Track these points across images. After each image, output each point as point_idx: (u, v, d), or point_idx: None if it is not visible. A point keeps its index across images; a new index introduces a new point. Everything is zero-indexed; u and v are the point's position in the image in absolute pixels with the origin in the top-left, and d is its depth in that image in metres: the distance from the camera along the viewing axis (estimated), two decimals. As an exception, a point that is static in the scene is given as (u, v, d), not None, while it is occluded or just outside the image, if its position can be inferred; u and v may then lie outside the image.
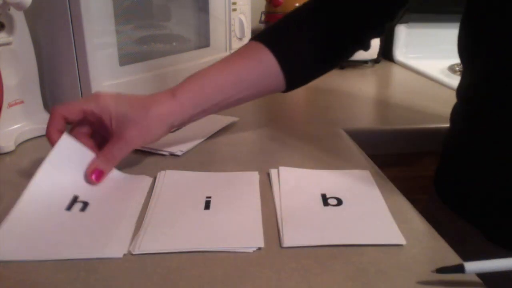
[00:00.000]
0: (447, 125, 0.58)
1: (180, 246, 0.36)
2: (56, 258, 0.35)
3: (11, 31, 0.57)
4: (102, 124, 0.48)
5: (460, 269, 0.32)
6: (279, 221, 0.40)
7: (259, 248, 0.36)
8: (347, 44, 0.60)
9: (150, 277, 0.33)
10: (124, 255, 0.35)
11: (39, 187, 0.43)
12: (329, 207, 0.43)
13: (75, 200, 0.43)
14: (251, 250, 0.36)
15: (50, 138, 0.47)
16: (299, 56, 0.58)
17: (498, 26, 0.46)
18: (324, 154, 0.57)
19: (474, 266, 0.33)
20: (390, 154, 0.69)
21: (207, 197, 0.44)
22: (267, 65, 0.56)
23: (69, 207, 0.42)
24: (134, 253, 0.36)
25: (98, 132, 0.50)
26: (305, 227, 0.40)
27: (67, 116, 0.47)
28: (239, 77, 0.55)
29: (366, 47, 0.60)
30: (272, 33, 0.59)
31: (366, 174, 0.50)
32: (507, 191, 0.47)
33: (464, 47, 0.53)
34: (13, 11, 0.56)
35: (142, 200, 0.44)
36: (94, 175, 0.47)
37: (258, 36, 0.58)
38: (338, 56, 0.61)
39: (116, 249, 0.36)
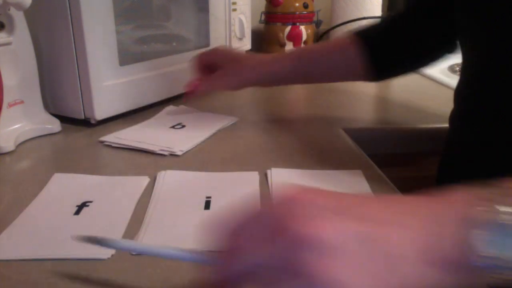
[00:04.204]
0: (447, 125, 0.58)
1: (180, 246, 0.36)
2: (53, 257, 0.35)
3: (11, 31, 0.57)
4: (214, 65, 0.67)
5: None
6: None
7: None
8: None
9: (150, 277, 0.33)
10: (125, 255, 0.35)
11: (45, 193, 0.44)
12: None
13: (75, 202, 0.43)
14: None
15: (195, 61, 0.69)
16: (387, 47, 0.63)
17: (475, 23, 0.47)
18: (324, 154, 0.57)
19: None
20: (390, 154, 0.69)
21: (207, 197, 0.44)
22: (348, 47, 0.63)
23: (68, 209, 0.42)
24: (134, 253, 0.36)
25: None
26: None
27: (199, 62, 0.68)
28: (325, 53, 0.65)
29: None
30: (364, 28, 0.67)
31: (358, 174, 0.50)
32: None
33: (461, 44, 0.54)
34: (13, 11, 0.56)
35: (136, 200, 0.44)
36: (189, 86, 0.65)
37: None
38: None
39: (104, 250, 0.35)
